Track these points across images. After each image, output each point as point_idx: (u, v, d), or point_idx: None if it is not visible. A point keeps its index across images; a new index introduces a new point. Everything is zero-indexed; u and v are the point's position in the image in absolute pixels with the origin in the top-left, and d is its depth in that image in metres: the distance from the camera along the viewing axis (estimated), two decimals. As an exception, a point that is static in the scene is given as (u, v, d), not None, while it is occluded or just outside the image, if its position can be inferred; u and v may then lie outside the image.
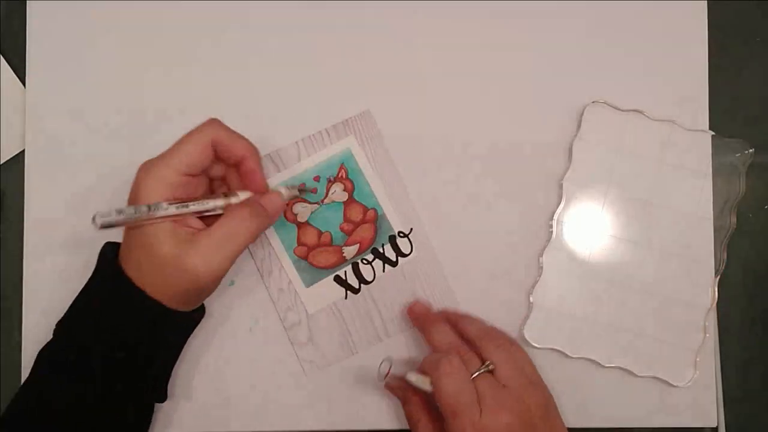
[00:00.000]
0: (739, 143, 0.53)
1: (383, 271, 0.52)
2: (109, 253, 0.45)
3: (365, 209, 0.52)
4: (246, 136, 0.46)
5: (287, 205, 0.51)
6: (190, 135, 0.44)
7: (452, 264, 0.52)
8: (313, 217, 0.52)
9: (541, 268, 0.52)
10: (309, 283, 0.52)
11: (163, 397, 0.47)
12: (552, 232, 0.52)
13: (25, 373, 0.50)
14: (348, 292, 0.52)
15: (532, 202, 0.53)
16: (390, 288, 0.52)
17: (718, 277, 0.52)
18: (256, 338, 0.51)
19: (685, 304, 0.52)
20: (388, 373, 0.44)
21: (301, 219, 0.52)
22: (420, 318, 0.50)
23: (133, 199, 0.43)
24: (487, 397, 0.43)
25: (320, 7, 0.54)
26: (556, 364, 0.51)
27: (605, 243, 0.53)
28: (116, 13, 0.53)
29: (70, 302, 0.46)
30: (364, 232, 0.52)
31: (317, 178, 0.52)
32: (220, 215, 0.44)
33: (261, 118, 0.53)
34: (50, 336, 0.46)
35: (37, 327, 0.51)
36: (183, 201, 0.43)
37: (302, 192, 0.51)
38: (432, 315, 0.51)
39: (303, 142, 0.52)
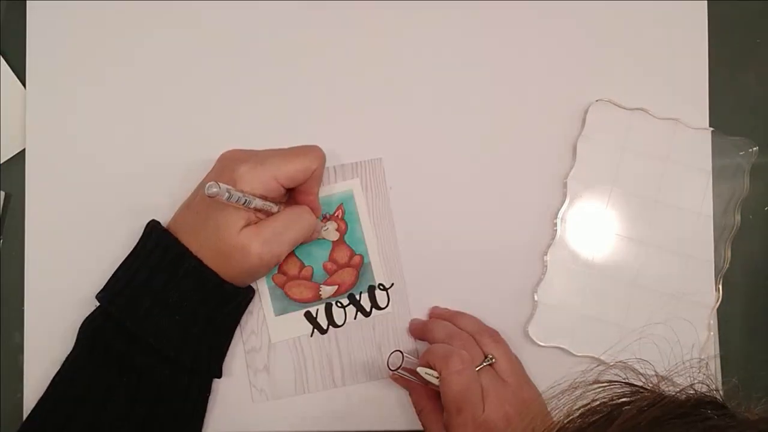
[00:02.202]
0: (743, 141, 0.53)
1: (354, 318, 0.51)
2: (160, 228, 0.48)
3: (352, 254, 0.52)
4: None
5: None
6: (300, 155, 0.47)
7: (453, 261, 0.52)
8: (300, 249, 0.51)
9: (546, 266, 0.52)
10: (279, 312, 0.51)
11: (219, 372, 0.49)
12: (556, 230, 0.52)
13: (26, 374, 0.50)
14: (315, 330, 0.51)
15: (536, 200, 0.53)
16: (356, 337, 0.51)
17: (722, 275, 0.52)
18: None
19: (689, 302, 0.52)
20: (400, 366, 0.45)
21: None
22: (419, 328, 0.51)
23: (230, 182, 0.44)
24: (491, 392, 0.45)
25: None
26: (560, 362, 0.51)
27: (609, 241, 0.52)
28: (117, 13, 0.53)
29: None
30: (346, 275, 0.51)
31: None
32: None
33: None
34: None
35: (38, 327, 0.50)
36: (265, 198, 0.46)
37: (324, 221, 0.51)
38: (429, 320, 0.51)
39: None
